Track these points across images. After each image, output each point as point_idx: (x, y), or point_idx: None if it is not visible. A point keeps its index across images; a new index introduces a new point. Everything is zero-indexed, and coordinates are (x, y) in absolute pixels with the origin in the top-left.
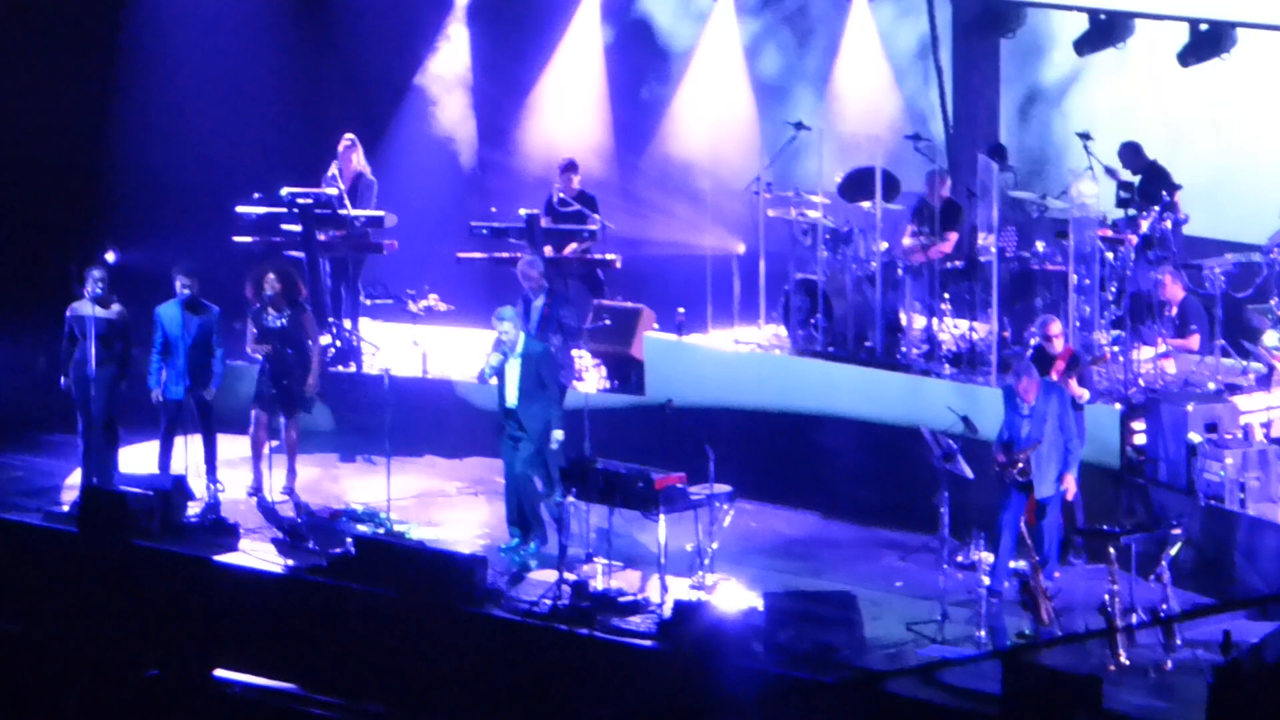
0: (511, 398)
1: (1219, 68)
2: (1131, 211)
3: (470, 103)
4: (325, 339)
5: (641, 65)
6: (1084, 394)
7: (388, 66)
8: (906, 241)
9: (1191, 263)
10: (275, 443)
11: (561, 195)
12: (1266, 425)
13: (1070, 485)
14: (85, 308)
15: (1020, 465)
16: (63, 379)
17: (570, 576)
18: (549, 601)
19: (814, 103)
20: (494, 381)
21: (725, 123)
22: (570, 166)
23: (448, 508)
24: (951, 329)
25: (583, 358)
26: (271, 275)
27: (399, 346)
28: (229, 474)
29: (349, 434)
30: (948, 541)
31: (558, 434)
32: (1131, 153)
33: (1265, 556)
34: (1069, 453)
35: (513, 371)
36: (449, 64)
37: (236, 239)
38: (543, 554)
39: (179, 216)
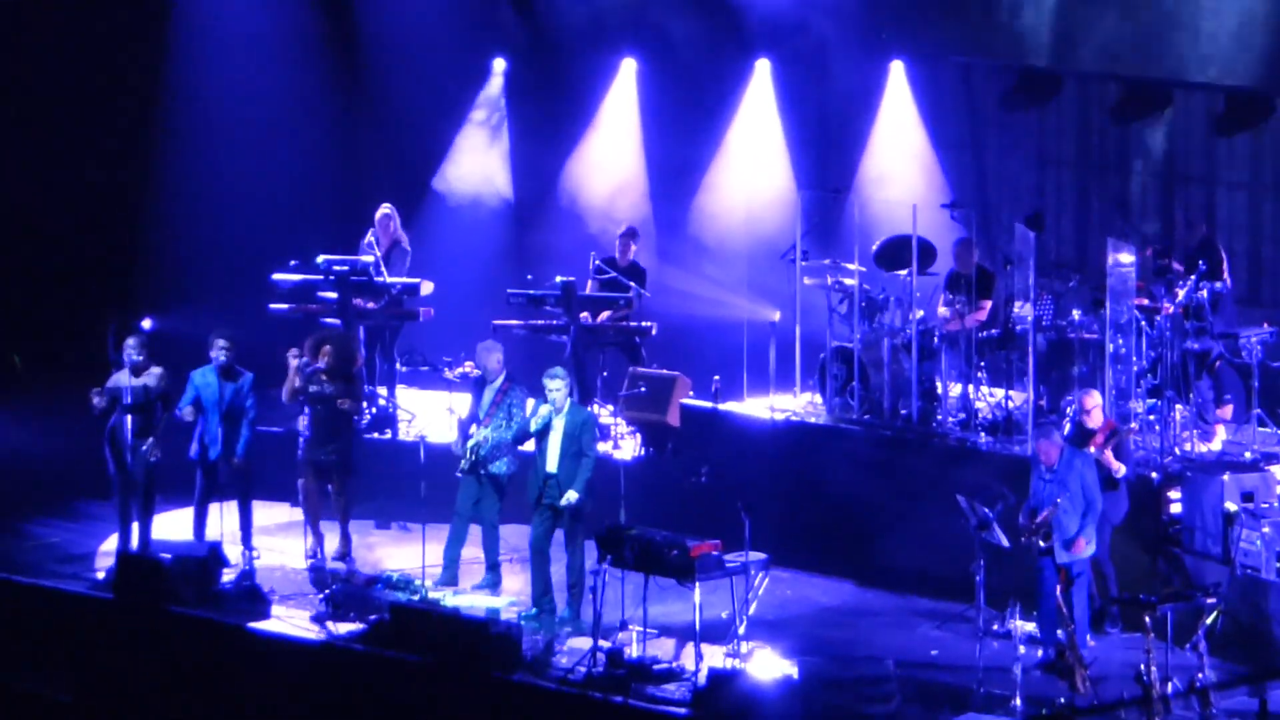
0: (552, 463)
1: (1258, 135)
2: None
3: (508, 169)
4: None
5: (679, 132)
6: (1121, 468)
7: (425, 134)
8: (942, 311)
9: (1229, 332)
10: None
11: (599, 263)
12: None
13: (1080, 550)
14: (122, 378)
15: (1043, 530)
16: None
17: (605, 644)
18: (583, 669)
19: (851, 170)
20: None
21: (762, 190)
22: (630, 234)
23: (483, 575)
24: (987, 397)
25: (618, 425)
26: (328, 346)
27: (434, 414)
28: (264, 540)
29: (384, 501)
30: (984, 610)
31: (572, 495)
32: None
33: None
34: (1086, 522)
35: (555, 436)
36: (486, 130)
37: (273, 306)
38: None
39: (215, 284)
